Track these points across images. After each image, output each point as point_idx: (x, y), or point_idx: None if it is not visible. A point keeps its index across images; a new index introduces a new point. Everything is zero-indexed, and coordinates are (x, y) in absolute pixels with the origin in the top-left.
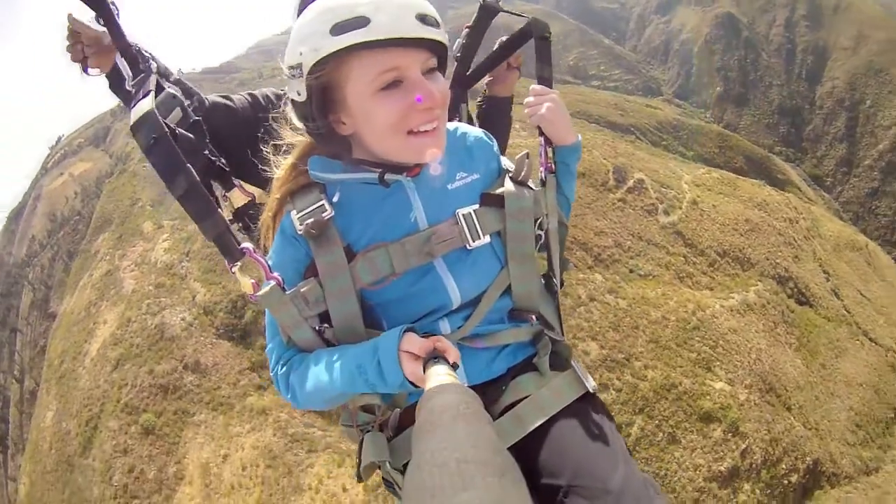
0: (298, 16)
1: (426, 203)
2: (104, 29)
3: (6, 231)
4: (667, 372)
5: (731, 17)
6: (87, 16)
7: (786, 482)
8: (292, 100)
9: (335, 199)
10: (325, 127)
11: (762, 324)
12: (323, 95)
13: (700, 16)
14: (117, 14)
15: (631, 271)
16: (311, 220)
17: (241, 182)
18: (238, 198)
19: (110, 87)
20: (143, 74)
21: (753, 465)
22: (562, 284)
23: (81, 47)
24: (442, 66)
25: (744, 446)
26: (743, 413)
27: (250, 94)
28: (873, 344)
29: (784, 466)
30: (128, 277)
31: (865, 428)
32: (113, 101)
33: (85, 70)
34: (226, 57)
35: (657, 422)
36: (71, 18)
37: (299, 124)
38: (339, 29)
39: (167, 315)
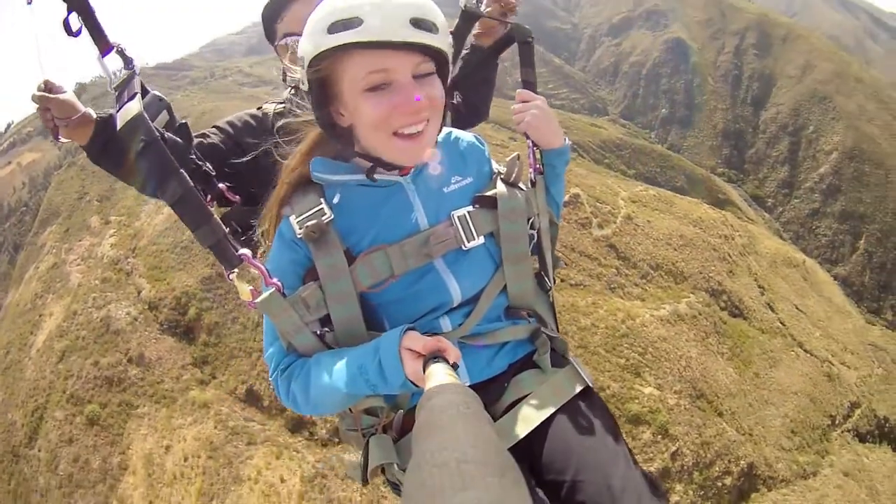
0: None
1: (426, 204)
2: (68, 97)
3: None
4: (595, 376)
5: (681, 42)
6: (58, 76)
7: (720, 484)
8: (299, 87)
9: (335, 200)
10: (326, 117)
11: (693, 333)
12: (322, 88)
13: (651, 39)
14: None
15: (561, 280)
16: (312, 222)
17: (226, 186)
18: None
19: (90, 157)
20: (126, 76)
21: (685, 467)
22: (554, 282)
23: (51, 116)
24: (442, 70)
25: (674, 448)
26: (672, 417)
27: (227, 125)
28: (808, 355)
29: (717, 469)
30: (74, 271)
31: (801, 434)
32: (68, 85)
33: (56, 138)
34: (179, 54)
35: None
36: (35, 95)
37: (309, 113)
38: (334, 28)
39: (112, 309)
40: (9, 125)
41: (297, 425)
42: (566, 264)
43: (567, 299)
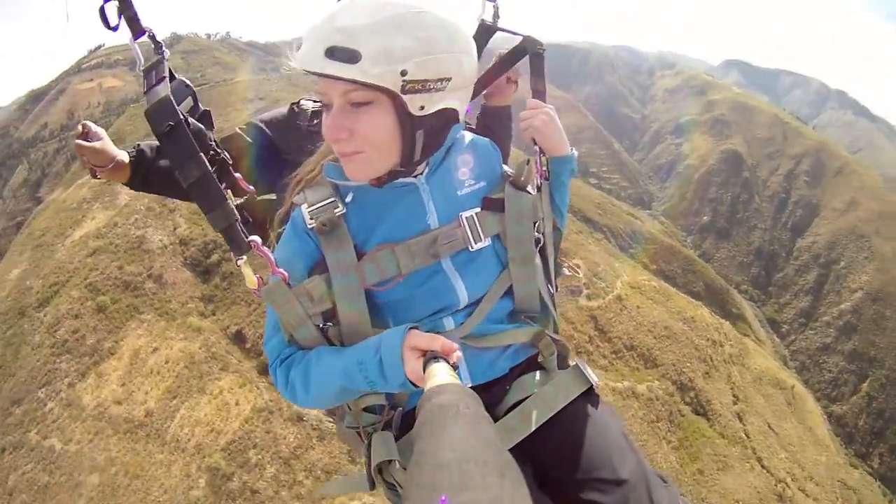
0: None
1: (439, 206)
2: (102, 146)
3: (21, 107)
4: None
5: (738, 155)
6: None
7: None
8: None
9: (348, 199)
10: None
11: (642, 413)
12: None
13: (710, 146)
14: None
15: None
16: (323, 215)
17: (241, 177)
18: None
19: (132, 189)
20: (156, 59)
21: None
22: (556, 288)
23: (87, 160)
24: (395, 98)
25: None
26: None
27: (264, 124)
28: (765, 471)
29: None
30: (124, 192)
31: None
32: (165, 33)
33: (94, 176)
34: (273, 38)
35: None
36: (75, 143)
37: None
38: (297, 48)
39: (150, 232)
40: (99, 46)
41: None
42: (572, 271)
43: None
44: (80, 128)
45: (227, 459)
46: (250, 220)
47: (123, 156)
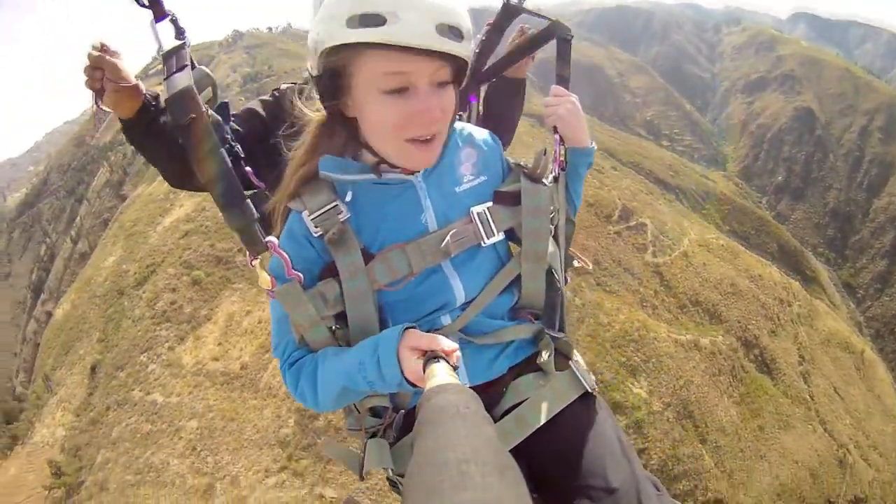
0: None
1: (436, 204)
2: (124, 63)
3: (94, 115)
4: (594, 361)
5: (811, 112)
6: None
7: (680, 502)
8: (309, 71)
9: (348, 198)
10: (333, 106)
11: (704, 366)
12: (334, 77)
13: (782, 104)
14: None
15: (598, 284)
16: (328, 223)
17: (251, 171)
18: None
19: (129, 134)
20: (178, 45)
21: (648, 468)
22: (566, 280)
23: (101, 74)
24: (459, 78)
25: (642, 446)
26: (651, 420)
27: (248, 112)
28: (827, 435)
29: (681, 487)
30: None
31: (786, 502)
32: (221, 33)
33: (97, 102)
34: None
35: None
36: (92, 54)
37: (316, 98)
38: (353, 22)
39: None
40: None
41: None
42: (588, 266)
43: (595, 297)
44: (97, 42)
45: None
46: (261, 215)
47: (141, 85)
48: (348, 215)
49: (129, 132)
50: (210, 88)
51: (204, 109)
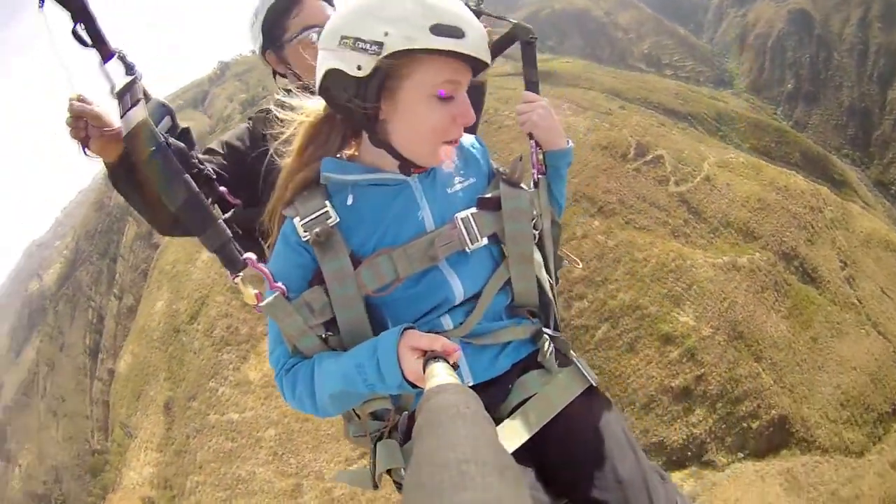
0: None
1: (432, 204)
2: (105, 110)
3: (106, 178)
4: (636, 297)
5: (805, 13)
6: (95, 96)
7: (745, 425)
8: (337, 70)
9: (349, 202)
10: (374, 109)
11: (746, 284)
12: (383, 79)
13: (774, 10)
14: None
15: (627, 223)
16: (318, 227)
17: (227, 190)
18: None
19: (113, 177)
20: (128, 81)
21: (708, 394)
22: (557, 281)
23: (84, 123)
24: None
25: (699, 373)
26: (702, 345)
27: (223, 144)
28: (882, 337)
29: (744, 408)
30: None
31: (852, 410)
32: (207, 67)
33: (84, 150)
34: None
35: (619, 331)
36: (74, 105)
37: (340, 97)
38: (439, 30)
39: None
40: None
41: None
42: (578, 265)
43: (628, 236)
44: (74, 95)
45: None
46: (240, 232)
47: (122, 128)
48: (337, 220)
49: (115, 176)
50: (168, 117)
51: (163, 140)
